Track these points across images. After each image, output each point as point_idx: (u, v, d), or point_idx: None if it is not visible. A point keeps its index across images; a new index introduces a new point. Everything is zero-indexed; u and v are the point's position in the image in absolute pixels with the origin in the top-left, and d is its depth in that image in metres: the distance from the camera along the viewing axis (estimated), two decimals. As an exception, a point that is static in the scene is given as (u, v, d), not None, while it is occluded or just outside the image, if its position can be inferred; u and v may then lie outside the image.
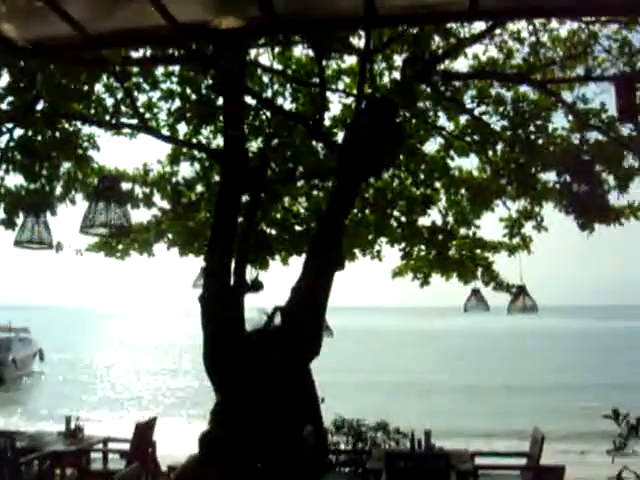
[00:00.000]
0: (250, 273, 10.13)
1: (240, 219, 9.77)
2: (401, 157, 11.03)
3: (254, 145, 10.83)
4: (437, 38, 9.18)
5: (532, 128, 10.34)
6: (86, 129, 10.23)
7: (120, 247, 12.69)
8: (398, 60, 9.81)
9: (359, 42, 9.13)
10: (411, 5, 4.51)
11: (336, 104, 10.68)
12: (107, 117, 10.02)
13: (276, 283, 11.53)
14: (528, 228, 11.69)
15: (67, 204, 10.34)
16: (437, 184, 11.75)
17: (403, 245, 12.44)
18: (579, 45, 9.88)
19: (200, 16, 4.87)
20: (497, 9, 4.67)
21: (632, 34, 9.46)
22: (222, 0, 4.74)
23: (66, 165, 10.41)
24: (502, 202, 11.48)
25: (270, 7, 4.46)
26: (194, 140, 10.84)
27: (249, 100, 10.10)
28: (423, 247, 12.53)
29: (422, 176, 11.59)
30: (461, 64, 9.76)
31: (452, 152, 11.23)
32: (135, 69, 9.83)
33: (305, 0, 4.61)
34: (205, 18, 4.88)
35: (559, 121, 10.72)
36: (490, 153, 11.01)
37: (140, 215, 13.12)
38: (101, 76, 9.75)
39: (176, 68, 10.06)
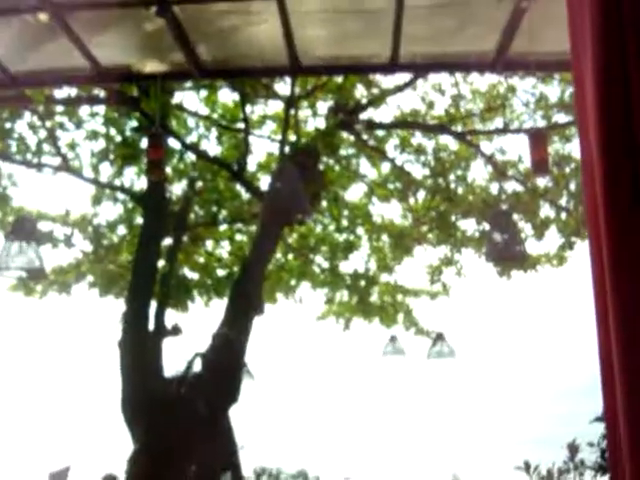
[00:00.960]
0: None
1: (162, 262, 9.67)
2: (324, 203, 11.14)
3: (178, 188, 10.79)
4: (361, 88, 9.38)
5: (452, 177, 10.59)
6: (6, 167, 10.05)
7: (39, 288, 12.38)
8: (323, 107, 9.97)
9: (285, 88, 9.26)
10: (333, 56, 4.61)
11: (261, 149, 10.75)
12: (29, 156, 9.86)
13: (197, 326, 11.40)
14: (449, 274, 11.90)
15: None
16: (359, 230, 11.88)
17: (326, 290, 12.49)
18: (498, 98, 10.20)
19: (124, 59, 4.88)
20: (417, 63, 4.81)
21: (548, 88, 9.85)
22: (146, 45, 4.75)
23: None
24: (423, 249, 11.67)
25: (194, 54, 4.50)
26: (117, 181, 10.72)
27: (174, 143, 10.08)
28: (345, 292, 12.60)
29: (345, 222, 11.71)
30: (384, 113, 10.01)
31: (374, 199, 11.40)
32: (59, 108, 9.73)
33: (229, 48, 4.66)
34: (129, 61, 4.90)
35: (478, 171, 11.01)
36: (412, 201, 11.20)
37: (60, 256, 12.85)
38: (24, 114, 9.61)
39: (101, 108, 9.98)
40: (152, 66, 4.80)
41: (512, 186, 10.55)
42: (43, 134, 9.86)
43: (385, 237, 11.88)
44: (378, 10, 4.33)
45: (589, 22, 1.86)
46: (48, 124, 9.75)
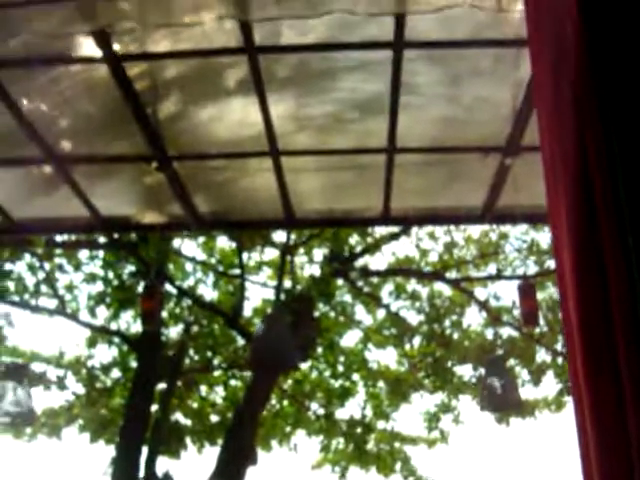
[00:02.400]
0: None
1: (155, 407, 9.55)
2: (320, 349, 11.12)
3: (174, 331, 10.80)
4: (355, 236, 9.58)
5: (447, 323, 10.64)
6: (3, 307, 10.13)
7: (28, 431, 12.16)
8: (318, 254, 10.14)
9: (281, 235, 9.45)
10: (327, 210, 4.76)
11: (257, 295, 10.86)
12: (27, 296, 9.96)
13: (188, 474, 11.11)
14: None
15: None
16: (355, 376, 11.79)
17: (321, 438, 12.26)
18: (490, 245, 10.39)
19: (123, 210, 5.03)
20: (408, 216, 4.96)
21: (540, 234, 10.06)
22: (145, 196, 4.91)
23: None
24: (420, 395, 11.56)
25: (192, 206, 4.64)
26: (113, 324, 10.76)
27: (171, 287, 10.18)
28: (341, 440, 12.35)
29: (340, 368, 11.64)
30: (379, 260, 10.24)
31: (370, 345, 11.39)
32: (58, 250, 9.89)
33: (226, 201, 4.82)
34: (128, 212, 5.04)
35: (473, 317, 11.07)
36: (407, 347, 11.19)
37: (52, 398, 12.70)
38: (23, 255, 9.76)
39: (100, 252, 10.15)
40: (151, 217, 4.94)
41: (507, 331, 10.59)
42: (42, 275, 9.98)
43: (381, 383, 11.78)
44: (370, 165, 4.52)
45: (562, 186, 1.96)
46: (47, 266, 9.89)
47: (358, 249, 9.74)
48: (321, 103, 4.14)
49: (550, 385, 10.84)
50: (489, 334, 10.76)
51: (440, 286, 10.60)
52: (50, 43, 3.45)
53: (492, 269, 10.55)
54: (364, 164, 4.50)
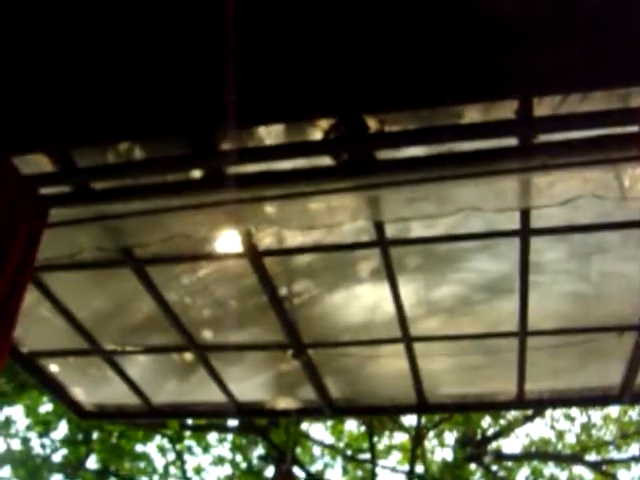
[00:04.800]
0: None
1: None
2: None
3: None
4: (488, 418, 9.37)
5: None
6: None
7: None
8: (450, 438, 9.93)
9: (411, 419, 9.36)
10: (460, 394, 4.74)
11: (386, 480, 10.64)
12: (156, 478, 10.13)
13: None
14: None
15: None
16: None
17: None
18: (631, 424, 9.96)
19: (259, 396, 5.15)
20: (543, 398, 4.86)
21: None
22: (280, 382, 5.03)
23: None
24: None
25: (324, 391, 4.72)
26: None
27: (299, 471, 10.11)
28: None
29: None
30: (513, 442, 9.89)
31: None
32: (188, 432, 10.09)
33: (358, 385, 4.87)
34: (263, 398, 5.16)
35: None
36: None
37: None
38: (154, 436, 10.00)
39: (228, 434, 10.28)
40: (284, 402, 5.04)
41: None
42: (171, 457, 10.15)
43: None
44: (501, 348, 4.50)
45: None
46: (177, 447, 10.07)
47: (491, 432, 9.50)
48: (449, 285, 4.20)
49: None
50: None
51: (580, 469, 10.13)
52: (195, 240, 3.70)
53: (635, 450, 10.06)
54: (496, 347, 4.49)
